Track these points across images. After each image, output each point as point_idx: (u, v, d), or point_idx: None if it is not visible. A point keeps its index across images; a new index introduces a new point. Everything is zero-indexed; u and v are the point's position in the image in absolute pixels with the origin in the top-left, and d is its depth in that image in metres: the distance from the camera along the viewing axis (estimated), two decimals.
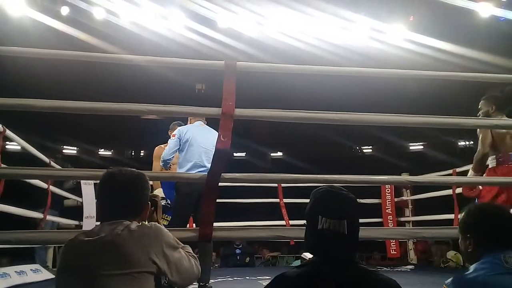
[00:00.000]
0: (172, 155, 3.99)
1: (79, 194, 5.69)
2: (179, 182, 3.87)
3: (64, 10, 6.93)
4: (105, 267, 1.51)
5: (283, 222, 6.44)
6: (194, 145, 3.89)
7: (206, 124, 4.11)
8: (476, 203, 1.80)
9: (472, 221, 1.73)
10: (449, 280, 1.62)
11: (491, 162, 3.46)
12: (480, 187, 3.52)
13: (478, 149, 3.47)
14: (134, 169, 1.80)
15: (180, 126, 4.35)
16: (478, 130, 3.50)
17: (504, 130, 3.42)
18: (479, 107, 3.62)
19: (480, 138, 3.45)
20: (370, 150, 11.98)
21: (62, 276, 1.61)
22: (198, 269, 1.76)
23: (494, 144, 3.43)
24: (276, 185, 6.48)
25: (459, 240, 1.78)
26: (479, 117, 3.57)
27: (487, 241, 1.65)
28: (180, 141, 3.94)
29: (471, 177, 3.53)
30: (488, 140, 3.40)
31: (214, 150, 3.58)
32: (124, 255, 1.53)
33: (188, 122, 4.21)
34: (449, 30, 7.20)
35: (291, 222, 6.36)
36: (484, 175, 3.49)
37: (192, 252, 1.79)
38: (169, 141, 4.03)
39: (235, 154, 11.46)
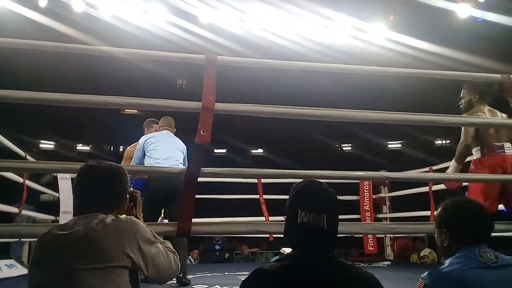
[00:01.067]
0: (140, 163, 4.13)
1: (56, 189, 5.60)
2: (150, 178, 3.97)
3: (42, 2, 6.80)
4: (79, 261, 1.48)
5: (263, 218, 6.45)
6: (159, 147, 4.05)
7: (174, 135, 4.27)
8: (452, 198, 1.82)
9: (448, 216, 1.75)
10: (425, 273, 1.64)
11: (475, 153, 3.44)
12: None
13: (461, 141, 3.43)
14: (112, 163, 1.78)
15: (154, 123, 4.44)
16: None
17: None
18: (461, 95, 3.56)
19: (463, 129, 3.40)
20: (350, 148, 12.07)
21: (35, 270, 1.58)
22: (177, 265, 1.73)
23: (478, 135, 3.39)
24: (256, 181, 6.48)
25: (436, 235, 1.81)
26: (461, 106, 3.53)
27: (463, 236, 1.68)
28: (143, 148, 4.09)
29: (446, 173, 3.55)
30: (471, 131, 3.37)
31: (180, 153, 3.73)
32: (98, 249, 1.50)
33: (155, 130, 4.37)
34: (428, 29, 7.29)
35: (271, 218, 6.37)
36: (471, 167, 3.45)
37: (172, 247, 1.77)
38: (135, 151, 4.20)
39: (216, 151, 11.43)
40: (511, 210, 3.28)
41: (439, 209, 1.82)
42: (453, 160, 3.47)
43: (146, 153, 4.05)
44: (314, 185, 1.52)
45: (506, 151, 3.34)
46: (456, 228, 1.71)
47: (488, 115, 3.41)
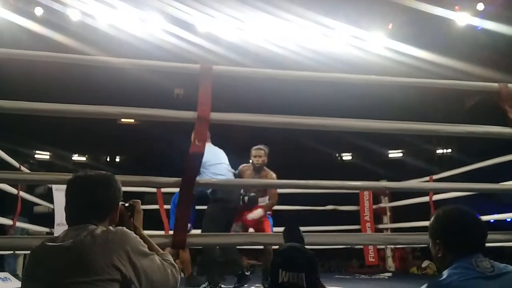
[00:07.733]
0: None
1: (51, 201, 5.52)
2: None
3: (38, 11, 6.78)
4: (68, 275, 1.44)
5: None
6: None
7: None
8: (444, 208, 1.78)
9: (441, 227, 1.71)
10: (424, 286, 1.60)
11: None
12: None
13: None
14: (102, 171, 1.74)
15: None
16: None
17: None
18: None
19: None
20: (350, 157, 11.99)
21: (26, 284, 1.56)
22: (176, 278, 1.66)
23: None
24: None
25: (430, 245, 1.77)
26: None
27: (458, 246, 1.64)
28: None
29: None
30: None
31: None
32: (86, 263, 1.45)
33: None
34: (427, 38, 7.27)
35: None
36: None
37: (171, 260, 1.71)
38: None
39: None
40: None
41: (431, 219, 1.77)
42: None
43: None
44: (293, 246, 1.69)
45: None
46: (449, 239, 1.67)
47: None
